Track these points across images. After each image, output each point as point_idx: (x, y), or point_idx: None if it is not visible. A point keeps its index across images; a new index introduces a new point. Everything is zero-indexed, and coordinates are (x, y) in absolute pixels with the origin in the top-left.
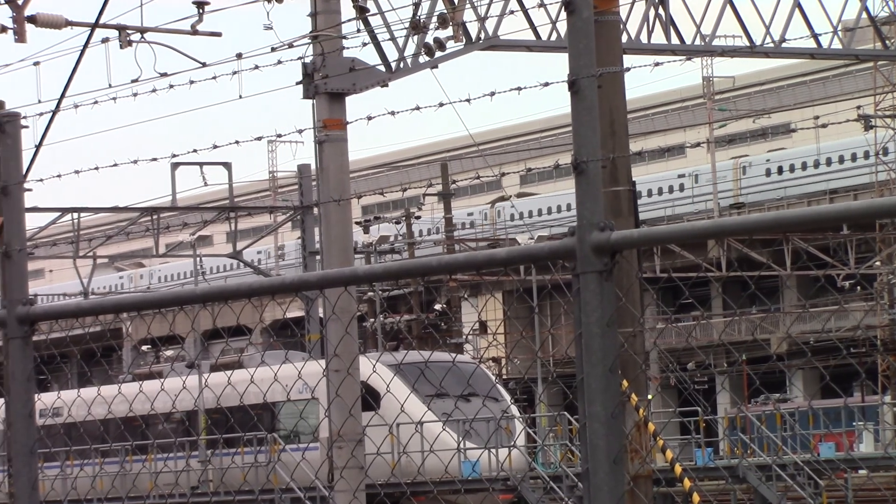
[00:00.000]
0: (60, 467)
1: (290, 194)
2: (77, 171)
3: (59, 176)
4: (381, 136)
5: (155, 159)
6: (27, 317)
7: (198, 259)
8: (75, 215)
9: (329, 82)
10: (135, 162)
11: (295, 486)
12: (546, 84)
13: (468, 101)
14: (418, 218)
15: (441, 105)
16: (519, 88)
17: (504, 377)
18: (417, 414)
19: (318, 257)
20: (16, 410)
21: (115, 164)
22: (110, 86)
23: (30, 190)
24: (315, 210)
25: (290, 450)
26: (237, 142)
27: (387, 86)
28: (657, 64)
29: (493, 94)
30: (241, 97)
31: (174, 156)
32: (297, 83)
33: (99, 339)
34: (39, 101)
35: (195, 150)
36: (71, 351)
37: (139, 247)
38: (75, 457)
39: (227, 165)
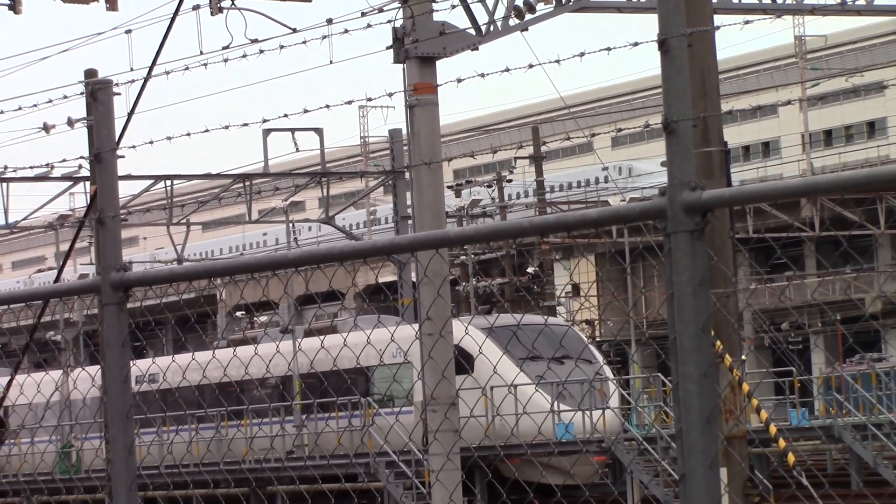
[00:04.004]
0: (156, 433)
1: (382, 159)
2: (169, 138)
3: (151, 142)
4: (472, 100)
5: (246, 125)
6: (121, 283)
7: (290, 225)
8: (168, 182)
9: (419, 46)
10: (226, 128)
11: (389, 449)
12: (636, 44)
13: (558, 62)
14: (510, 181)
15: (531, 66)
16: (608, 49)
17: (597, 339)
18: (510, 376)
19: (410, 222)
20: (112, 376)
21: (207, 130)
22: (201, 52)
23: (122, 157)
24: (407, 174)
25: (384, 413)
26: (328, 106)
27: (477, 49)
28: (747, 22)
29: (582, 54)
30: (331, 62)
31: (265, 121)
32: (388, 48)
33: (193, 305)
34: (132, 69)
35: (286, 115)
36: (165, 317)
37: (232, 213)
38: (171, 422)
39: (319, 131)
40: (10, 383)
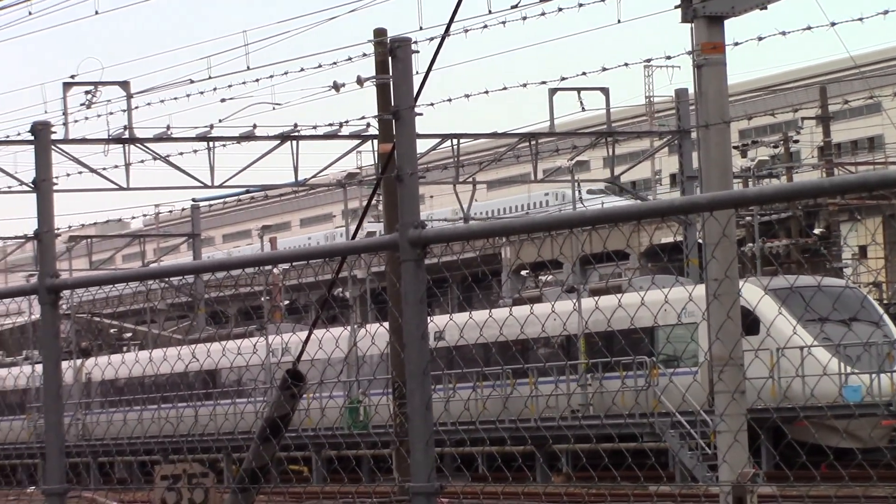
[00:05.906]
0: (445, 390)
1: (667, 119)
2: (467, 95)
3: (448, 100)
4: (757, 59)
5: (544, 83)
6: (419, 240)
7: (575, 184)
8: (454, 141)
9: (707, 6)
10: (524, 86)
11: (674, 410)
12: None
13: (861, 20)
14: (796, 142)
15: (833, 25)
16: None
17: (886, 303)
18: (799, 339)
19: (696, 182)
20: (409, 332)
21: (505, 88)
22: (490, 12)
23: (420, 115)
24: (693, 134)
25: (670, 374)
26: (626, 64)
27: (766, 8)
28: None
29: (886, 12)
30: (619, 21)
31: (563, 79)
32: (676, 7)
33: (471, 265)
34: (420, 28)
35: (584, 73)
36: (458, 275)
37: (517, 172)
38: (459, 379)
39: (605, 91)
40: (307, 339)
